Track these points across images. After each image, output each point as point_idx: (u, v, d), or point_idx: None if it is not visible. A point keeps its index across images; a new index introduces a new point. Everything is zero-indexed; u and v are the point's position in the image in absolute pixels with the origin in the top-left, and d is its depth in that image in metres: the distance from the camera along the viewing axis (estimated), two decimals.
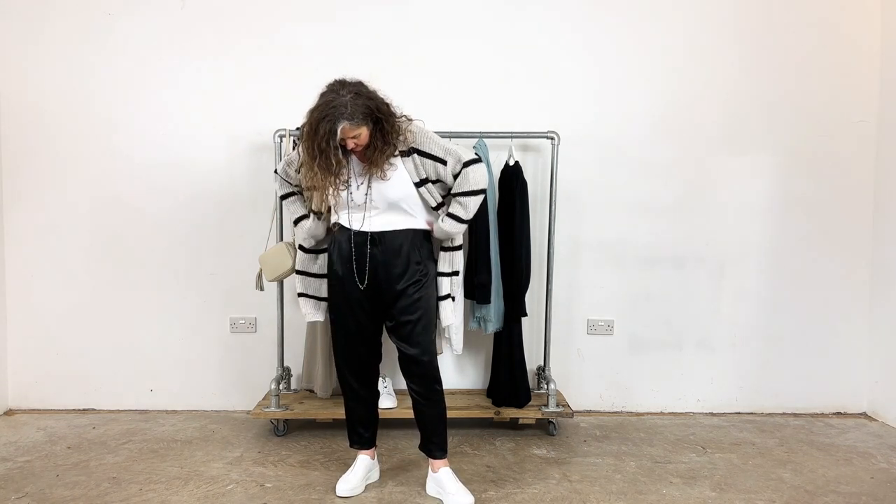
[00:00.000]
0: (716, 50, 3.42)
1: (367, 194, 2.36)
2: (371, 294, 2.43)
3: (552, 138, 3.15)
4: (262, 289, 3.09)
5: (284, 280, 3.14)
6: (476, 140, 3.12)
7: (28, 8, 3.31)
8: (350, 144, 2.25)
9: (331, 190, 2.31)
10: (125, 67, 3.35)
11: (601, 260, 3.48)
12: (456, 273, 2.55)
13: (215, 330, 3.47)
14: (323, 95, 2.24)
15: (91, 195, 3.39)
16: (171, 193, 3.40)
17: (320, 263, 2.57)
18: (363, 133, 2.24)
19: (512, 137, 3.15)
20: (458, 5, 3.37)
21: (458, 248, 2.55)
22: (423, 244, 2.46)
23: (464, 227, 2.45)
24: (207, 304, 3.45)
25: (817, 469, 2.82)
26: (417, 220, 2.43)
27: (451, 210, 2.42)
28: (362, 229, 2.39)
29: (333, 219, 2.46)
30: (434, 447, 2.53)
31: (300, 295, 2.60)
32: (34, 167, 3.37)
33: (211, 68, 3.36)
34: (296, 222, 2.57)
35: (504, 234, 3.13)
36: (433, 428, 2.52)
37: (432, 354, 2.46)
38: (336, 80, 2.28)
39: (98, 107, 3.36)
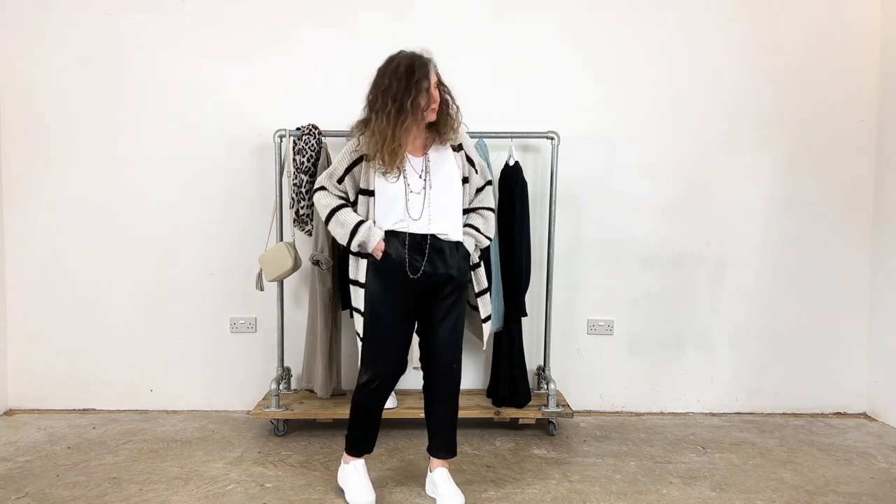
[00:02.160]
0: (716, 50, 3.42)
1: (426, 180, 2.35)
2: (417, 290, 2.37)
3: (552, 138, 3.15)
4: (262, 289, 3.10)
5: (284, 280, 3.15)
6: (476, 140, 3.12)
7: (28, 8, 3.31)
8: (434, 96, 2.30)
9: (409, 135, 2.27)
10: (125, 68, 3.35)
11: (601, 260, 3.48)
12: (486, 290, 2.57)
13: (215, 330, 3.47)
14: (397, 56, 2.29)
15: (91, 195, 3.39)
16: (171, 193, 3.40)
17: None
18: (439, 90, 2.33)
19: (512, 137, 3.15)
20: (460, 6, 3.37)
21: (479, 264, 2.54)
22: (464, 255, 2.45)
23: (482, 241, 2.47)
24: (207, 304, 3.45)
25: (817, 469, 2.82)
26: (460, 228, 2.43)
27: (472, 222, 2.47)
28: (418, 231, 2.34)
29: (387, 224, 2.35)
30: (434, 446, 2.52)
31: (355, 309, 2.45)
32: (34, 167, 3.37)
33: (211, 68, 3.36)
34: (352, 233, 2.33)
35: (504, 234, 3.13)
36: (440, 426, 2.51)
37: (460, 355, 2.48)
38: (402, 51, 2.33)
39: (98, 107, 3.36)
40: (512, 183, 3.12)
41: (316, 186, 2.45)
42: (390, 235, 2.34)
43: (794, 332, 3.53)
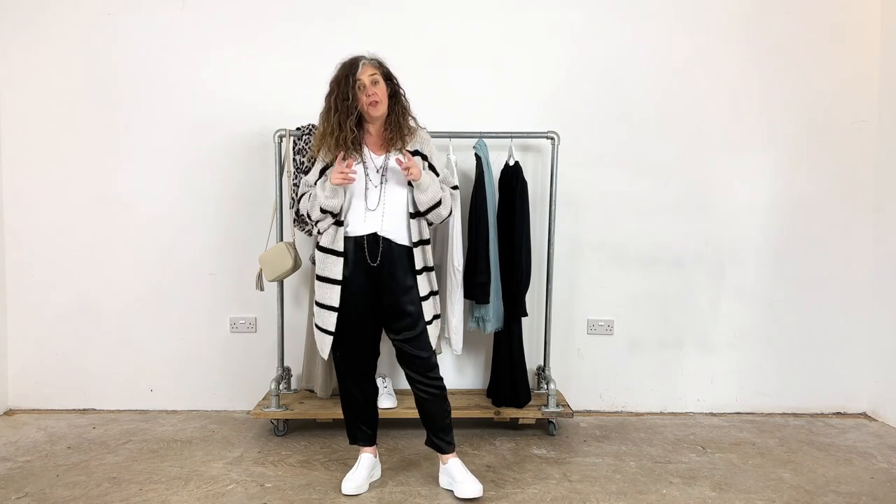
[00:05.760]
0: (716, 50, 3.42)
1: (384, 175, 2.41)
2: (376, 286, 2.44)
3: (552, 138, 3.15)
4: (262, 289, 3.10)
5: (284, 280, 3.15)
6: (476, 140, 3.12)
7: (28, 8, 3.31)
8: (369, 91, 2.33)
9: (341, 140, 2.34)
10: (125, 68, 3.35)
11: (601, 260, 3.48)
12: (435, 293, 2.55)
13: (215, 330, 3.47)
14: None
15: (91, 195, 3.39)
16: (171, 193, 3.40)
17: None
18: (381, 83, 2.36)
19: (512, 137, 3.15)
20: (459, 5, 3.37)
21: (432, 268, 2.54)
22: (413, 261, 2.48)
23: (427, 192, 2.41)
24: (207, 304, 3.45)
25: (817, 469, 2.82)
26: (412, 231, 2.46)
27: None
28: (370, 231, 2.40)
29: (348, 228, 2.43)
30: (442, 442, 2.55)
31: (318, 328, 2.50)
32: (34, 167, 3.37)
33: (211, 68, 3.36)
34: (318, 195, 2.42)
35: (504, 234, 3.13)
36: (440, 424, 2.54)
37: (431, 350, 2.49)
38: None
39: (97, 107, 3.36)
40: (512, 183, 3.12)
41: (299, 196, 2.56)
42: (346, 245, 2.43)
43: (794, 332, 3.53)
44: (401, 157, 2.37)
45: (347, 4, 3.35)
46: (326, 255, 2.44)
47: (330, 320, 2.44)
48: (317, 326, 2.50)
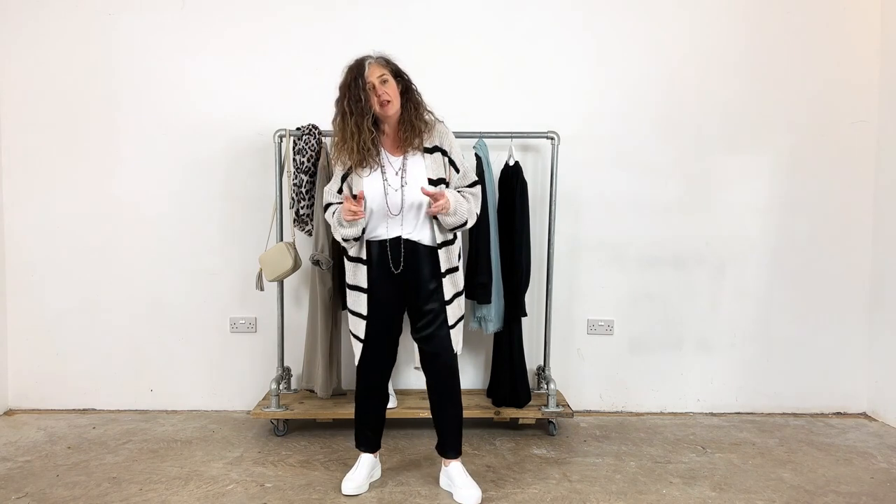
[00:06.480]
0: (716, 50, 3.42)
1: (402, 178, 2.37)
2: (401, 291, 2.44)
3: (552, 138, 3.15)
4: (262, 289, 3.10)
5: (284, 280, 3.15)
6: (476, 140, 3.12)
7: (28, 8, 3.31)
8: (380, 91, 2.30)
9: (361, 142, 2.31)
10: (125, 68, 3.35)
11: (601, 260, 3.48)
12: (460, 293, 2.51)
13: (215, 330, 3.47)
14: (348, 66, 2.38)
15: (91, 195, 3.39)
16: (171, 193, 3.40)
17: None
18: (390, 81, 2.33)
19: (512, 137, 3.15)
20: (459, 5, 3.37)
21: (457, 269, 2.50)
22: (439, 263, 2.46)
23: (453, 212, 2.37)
24: (207, 304, 3.45)
25: (817, 469, 2.82)
26: (436, 231, 2.43)
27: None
28: (393, 236, 2.39)
29: (368, 228, 2.42)
30: (449, 448, 2.54)
31: (353, 313, 2.50)
32: (34, 167, 3.37)
33: (211, 69, 3.36)
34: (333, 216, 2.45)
35: (504, 234, 3.13)
36: (449, 428, 2.53)
37: (453, 353, 2.48)
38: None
39: (97, 107, 3.36)
40: (512, 183, 3.12)
41: (324, 206, 2.52)
42: (371, 246, 2.43)
43: (794, 332, 3.53)
44: (428, 189, 2.31)
45: (348, 4, 3.35)
46: (354, 263, 2.45)
47: (360, 327, 2.46)
48: (351, 333, 2.53)
